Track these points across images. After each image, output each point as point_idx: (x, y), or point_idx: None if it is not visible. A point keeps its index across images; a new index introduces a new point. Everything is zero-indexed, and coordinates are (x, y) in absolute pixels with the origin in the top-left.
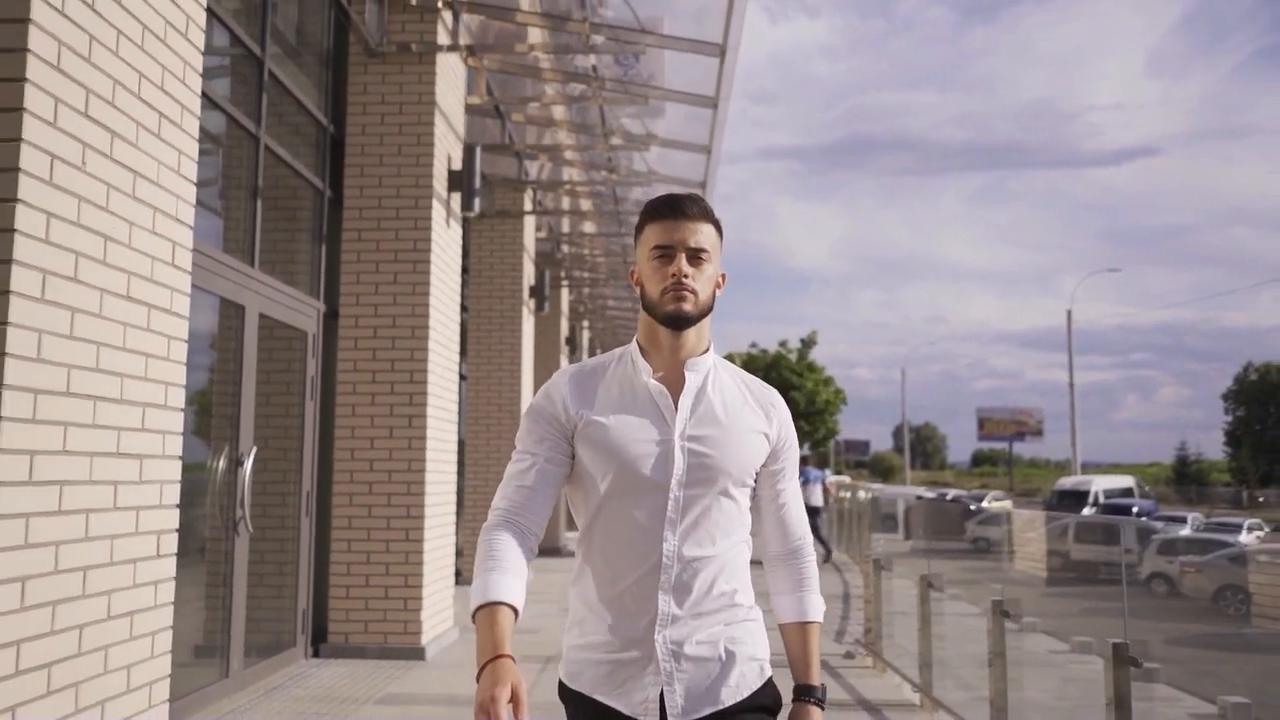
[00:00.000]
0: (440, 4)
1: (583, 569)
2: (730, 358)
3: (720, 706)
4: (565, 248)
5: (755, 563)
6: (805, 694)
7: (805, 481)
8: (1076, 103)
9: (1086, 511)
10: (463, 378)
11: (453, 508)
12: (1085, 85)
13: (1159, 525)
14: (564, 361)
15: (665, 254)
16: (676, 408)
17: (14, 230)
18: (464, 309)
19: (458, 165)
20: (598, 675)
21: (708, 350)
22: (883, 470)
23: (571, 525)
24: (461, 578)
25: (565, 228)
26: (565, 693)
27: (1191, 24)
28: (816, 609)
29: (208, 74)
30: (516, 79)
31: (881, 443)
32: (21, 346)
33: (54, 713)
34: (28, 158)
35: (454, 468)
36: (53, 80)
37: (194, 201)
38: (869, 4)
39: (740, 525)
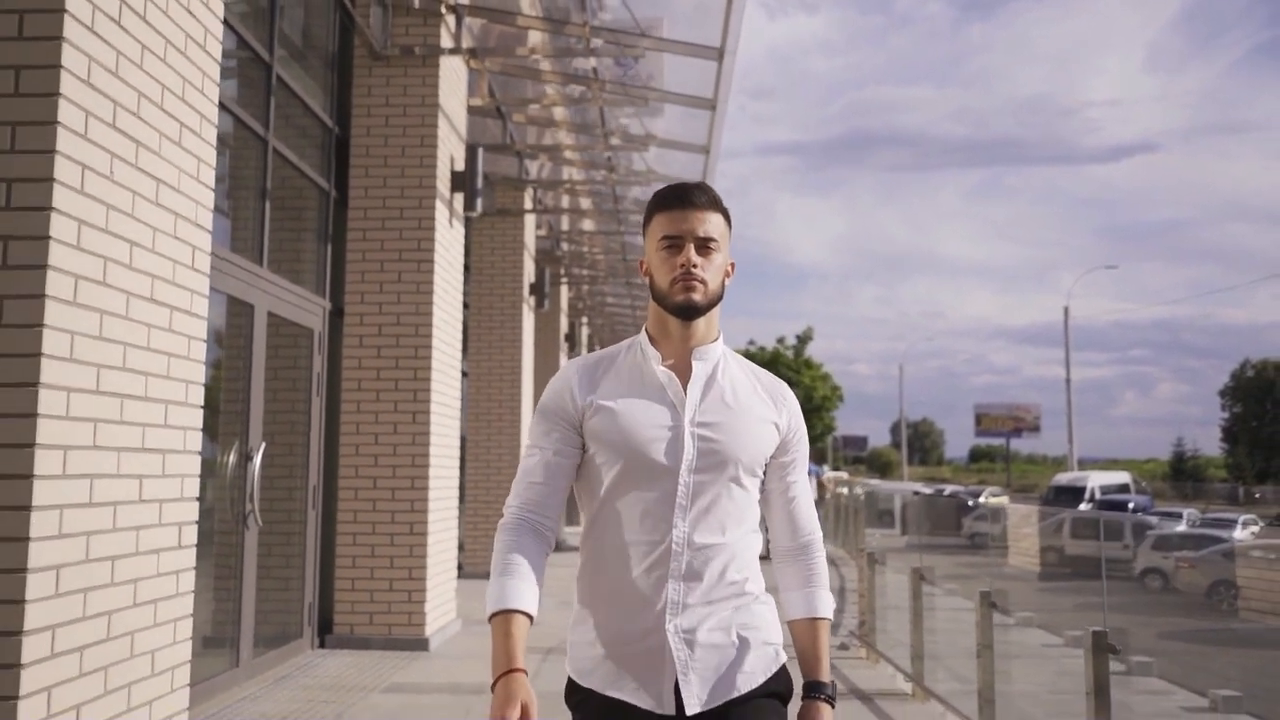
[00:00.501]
0: (443, 8)
1: (590, 561)
2: None
3: (737, 693)
4: (565, 245)
5: (763, 558)
6: (815, 690)
7: None
8: (1074, 99)
9: (1083, 507)
10: (464, 374)
11: (455, 502)
12: (1083, 81)
13: (1154, 520)
14: (564, 358)
15: (674, 244)
16: (686, 394)
17: (49, 237)
18: (465, 306)
19: (460, 166)
20: (609, 670)
21: (718, 339)
22: (880, 466)
23: (572, 520)
24: (463, 571)
25: (565, 226)
26: (575, 692)
27: (1189, 20)
28: (826, 605)
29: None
30: (517, 81)
31: (879, 438)
32: (56, 347)
33: (86, 695)
34: (61, 168)
35: (456, 462)
36: (83, 94)
37: (212, 207)
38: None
39: (751, 515)
